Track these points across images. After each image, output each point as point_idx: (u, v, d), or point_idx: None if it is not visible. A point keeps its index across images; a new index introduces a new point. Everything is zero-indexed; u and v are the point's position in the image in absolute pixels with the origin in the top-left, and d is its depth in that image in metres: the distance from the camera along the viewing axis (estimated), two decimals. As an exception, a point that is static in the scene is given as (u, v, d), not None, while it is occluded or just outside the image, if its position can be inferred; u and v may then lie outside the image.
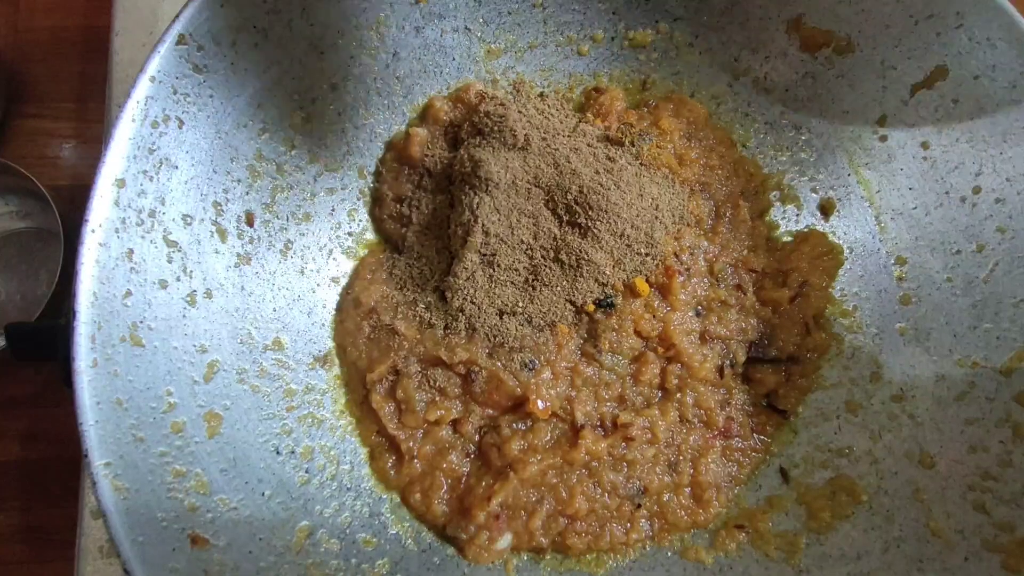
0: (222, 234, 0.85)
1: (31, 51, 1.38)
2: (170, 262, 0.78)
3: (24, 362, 1.20)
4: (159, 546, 0.67)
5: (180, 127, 0.78)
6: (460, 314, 0.93)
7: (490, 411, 0.93)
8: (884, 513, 0.86)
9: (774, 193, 1.06)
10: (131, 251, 0.73)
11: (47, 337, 1.04)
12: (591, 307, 0.94)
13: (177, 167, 0.78)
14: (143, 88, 0.74)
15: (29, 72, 1.37)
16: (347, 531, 0.86)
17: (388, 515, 0.90)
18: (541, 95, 1.07)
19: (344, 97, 0.96)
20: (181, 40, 0.76)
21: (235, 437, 0.80)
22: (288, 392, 0.89)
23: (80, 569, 0.98)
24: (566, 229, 0.93)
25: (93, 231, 0.69)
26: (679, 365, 0.95)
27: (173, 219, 0.78)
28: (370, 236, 1.03)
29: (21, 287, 1.27)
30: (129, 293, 0.72)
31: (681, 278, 0.97)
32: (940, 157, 0.92)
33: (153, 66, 0.74)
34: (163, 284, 0.76)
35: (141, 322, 0.73)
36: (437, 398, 0.93)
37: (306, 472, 0.86)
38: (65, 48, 1.38)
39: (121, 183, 0.72)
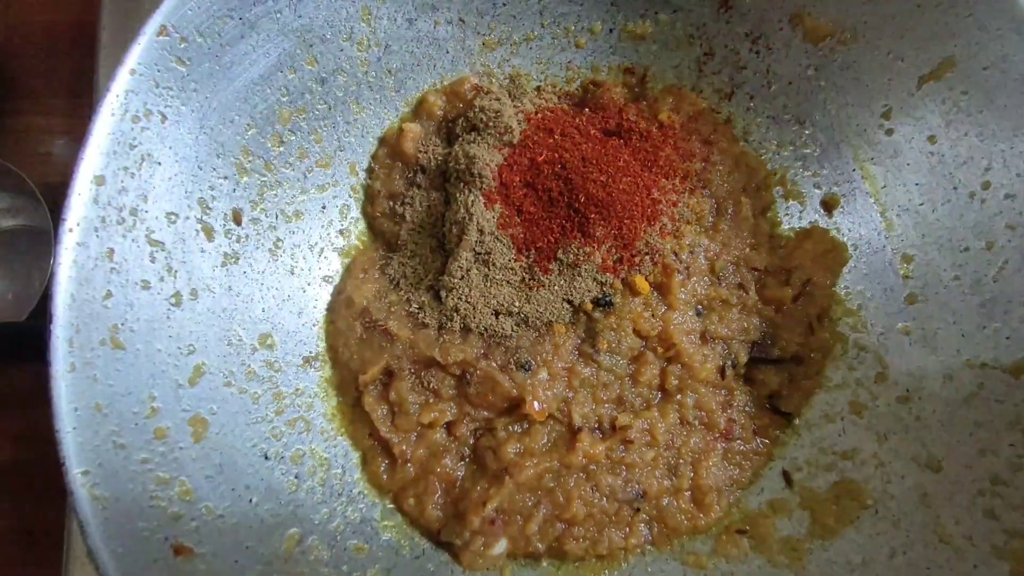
0: (208, 232, 0.82)
1: (23, 47, 1.36)
2: (153, 262, 0.75)
3: (11, 363, 1.19)
4: (140, 557, 0.65)
5: (163, 122, 0.76)
6: (454, 314, 0.91)
7: (485, 413, 0.91)
8: (890, 518, 0.84)
9: (777, 189, 1.03)
10: (112, 251, 0.71)
11: (34, 337, 1.02)
12: (589, 306, 0.92)
13: (160, 163, 0.76)
14: (123, 81, 0.71)
15: (21, 68, 1.35)
16: (338, 538, 0.84)
17: (380, 521, 0.88)
18: (538, 89, 1.05)
19: (334, 91, 0.94)
20: (163, 31, 0.73)
21: (222, 442, 0.78)
22: (277, 395, 0.87)
23: (68, 573, 0.96)
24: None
25: (71, 230, 0.67)
26: (679, 365, 0.93)
27: (156, 217, 0.76)
28: (363, 234, 1.01)
29: (12, 286, 1.25)
30: (109, 294, 0.70)
31: (680, 276, 0.95)
32: (948, 151, 0.89)
33: (133, 58, 0.72)
34: (146, 285, 0.74)
35: (122, 324, 0.71)
36: (431, 400, 0.91)
37: (296, 477, 0.84)
38: (57, 44, 1.36)
39: (100, 180, 0.70)
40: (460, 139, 0.97)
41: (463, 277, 0.91)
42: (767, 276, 1.00)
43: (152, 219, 0.76)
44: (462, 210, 0.90)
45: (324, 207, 0.97)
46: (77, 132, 1.34)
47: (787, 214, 1.03)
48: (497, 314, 0.91)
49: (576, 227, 0.91)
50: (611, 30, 1.04)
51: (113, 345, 0.70)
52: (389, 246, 1.00)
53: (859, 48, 0.93)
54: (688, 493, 0.92)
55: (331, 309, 0.96)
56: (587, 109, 1.03)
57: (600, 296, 0.92)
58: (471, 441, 0.92)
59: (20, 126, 1.33)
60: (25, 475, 1.20)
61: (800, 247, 0.99)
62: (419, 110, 1.02)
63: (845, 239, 0.99)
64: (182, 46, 0.76)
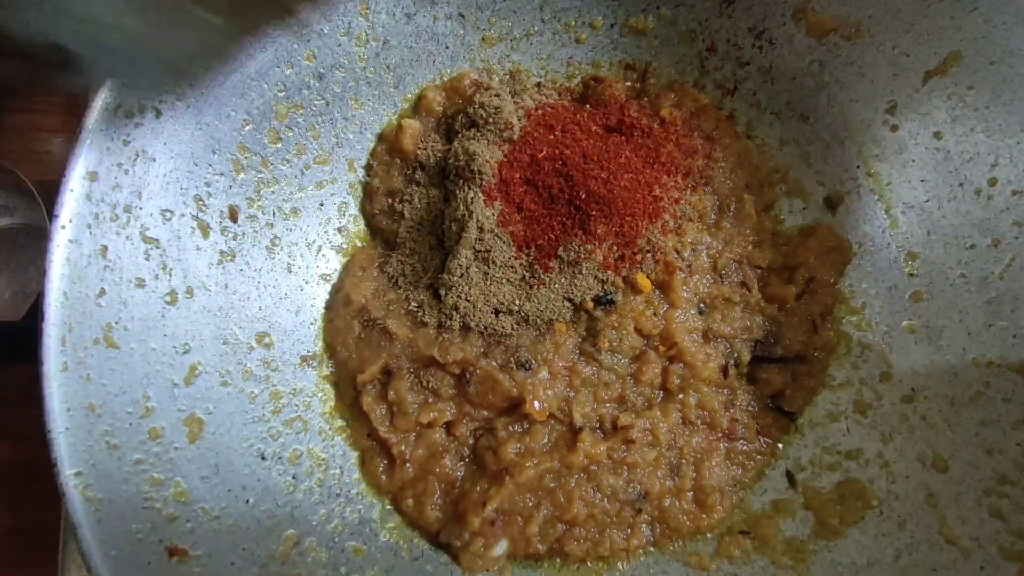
0: (204, 230, 0.81)
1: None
2: (148, 259, 0.74)
3: (9, 363, 1.18)
4: (134, 559, 0.65)
5: (157, 117, 0.75)
6: (454, 312, 0.90)
7: (485, 413, 0.90)
8: (895, 519, 0.83)
9: (780, 186, 1.02)
10: (105, 248, 0.70)
11: (31, 337, 1.01)
12: (590, 304, 0.91)
13: (155, 160, 0.75)
14: (117, 76, 0.70)
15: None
16: (336, 539, 0.83)
17: (379, 522, 0.87)
18: (538, 85, 1.04)
19: (332, 87, 0.93)
20: (157, 26, 0.72)
21: (218, 442, 0.77)
22: (274, 394, 0.86)
23: (65, 573, 0.95)
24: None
25: (63, 227, 0.66)
26: (681, 364, 0.92)
27: (151, 214, 0.75)
28: (361, 232, 1.00)
29: (10, 285, 1.24)
30: (103, 292, 0.69)
31: (682, 274, 0.94)
32: (954, 147, 0.88)
33: (127, 53, 0.71)
34: (140, 283, 0.73)
35: (116, 323, 0.70)
36: (430, 399, 0.90)
37: (293, 478, 0.83)
38: (54, 40, 1.36)
39: (93, 176, 0.69)
40: (460, 135, 0.96)
41: (463, 275, 0.90)
42: (770, 274, 0.98)
43: (147, 216, 0.75)
44: (462, 207, 0.89)
45: (322, 204, 0.96)
46: (75, 130, 1.33)
47: (790, 211, 1.02)
48: (497, 312, 0.90)
49: (577, 224, 0.90)
50: (612, 25, 1.02)
51: (107, 344, 0.69)
52: (388, 244, 0.99)
53: (863, 43, 0.92)
54: (690, 493, 0.91)
55: (329, 308, 0.95)
56: (588, 105, 1.02)
57: (601, 294, 0.91)
58: (471, 441, 0.91)
59: (18, 124, 1.32)
60: (24, 475, 1.19)
61: (804, 245, 0.98)
62: (418, 106, 1.01)
63: (849, 236, 0.98)
64: (177, 41, 0.75)
